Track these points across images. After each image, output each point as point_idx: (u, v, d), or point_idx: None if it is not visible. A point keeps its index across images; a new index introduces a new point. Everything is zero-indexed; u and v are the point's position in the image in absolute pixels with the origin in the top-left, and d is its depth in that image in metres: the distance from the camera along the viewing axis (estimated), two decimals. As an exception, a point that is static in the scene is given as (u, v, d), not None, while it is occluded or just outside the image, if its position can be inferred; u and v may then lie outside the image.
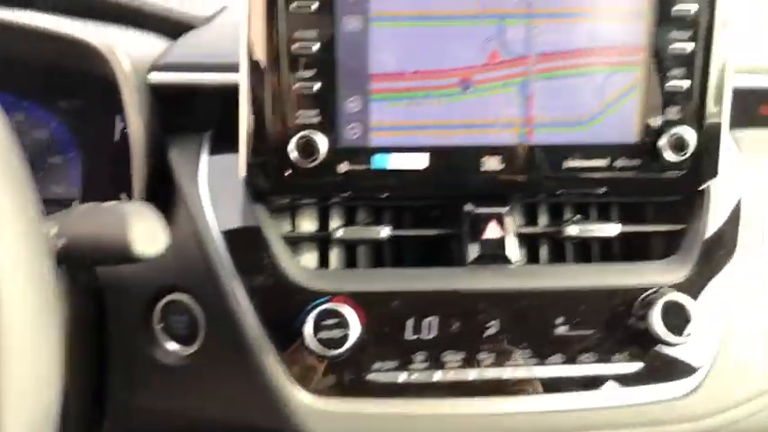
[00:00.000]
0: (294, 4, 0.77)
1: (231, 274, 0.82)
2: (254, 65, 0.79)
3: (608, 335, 0.84)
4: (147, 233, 0.64)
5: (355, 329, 0.78)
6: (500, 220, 0.85)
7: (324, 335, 0.77)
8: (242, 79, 0.80)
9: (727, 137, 0.86)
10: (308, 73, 0.79)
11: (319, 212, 0.91)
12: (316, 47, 0.78)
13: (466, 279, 0.83)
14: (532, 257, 0.92)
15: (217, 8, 1.04)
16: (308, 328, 0.77)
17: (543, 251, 0.92)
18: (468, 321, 0.82)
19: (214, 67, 0.88)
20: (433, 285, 0.82)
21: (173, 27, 0.99)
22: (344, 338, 0.77)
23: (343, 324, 0.77)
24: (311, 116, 0.80)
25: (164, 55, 0.91)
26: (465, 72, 0.81)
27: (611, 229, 0.88)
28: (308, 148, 0.79)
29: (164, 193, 0.89)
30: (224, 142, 0.88)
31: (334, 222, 0.91)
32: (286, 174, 0.81)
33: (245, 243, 0.83)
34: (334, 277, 0.84)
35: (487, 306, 0.82)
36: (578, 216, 0.95)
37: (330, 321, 0.77)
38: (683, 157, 0.83)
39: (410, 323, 0.81)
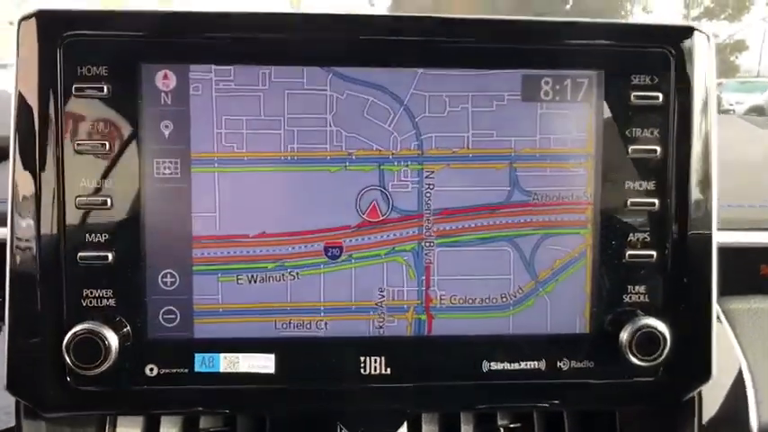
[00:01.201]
0: (80, 143, 0.54)
1: None
2: (20, 223, 0.56)
3: None
4: None
5: None
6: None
7: None
8: (7, 242, 0.56)
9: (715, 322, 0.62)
10: (100, 236, 0.56)
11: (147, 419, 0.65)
12: (111, 200, 0.56)
13: None
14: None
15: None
16: None
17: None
18: None
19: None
20: None
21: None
22: None
23: None
24: (103, 298, 0.56)
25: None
26: (333, 235, 0.58)
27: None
28: (88, 347, 0.54)
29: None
30: None
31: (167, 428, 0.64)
32: (63, 382, 0.57)
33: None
34: None
35: None
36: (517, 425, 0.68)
37: None
38: (656, 361, 0.58)
39: None
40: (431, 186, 0.58)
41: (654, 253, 0.59)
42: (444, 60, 0.57)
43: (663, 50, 0.58)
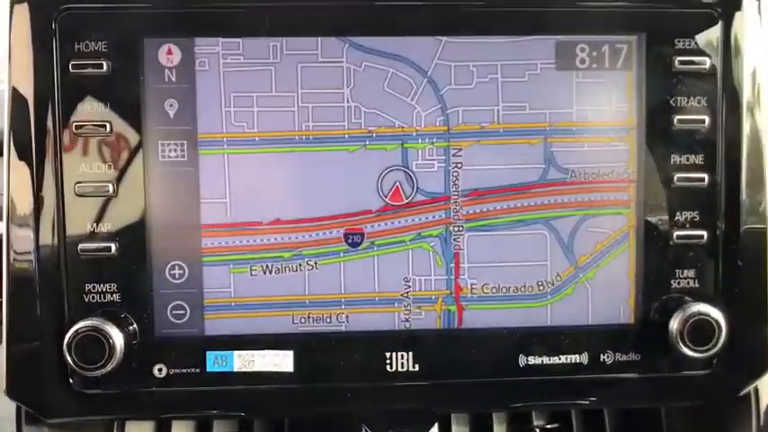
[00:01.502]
0: (79, 125, 0.51)
1: None
2: (16, 213, 0.52)
3: None
4: None
5: None
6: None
7: None
8: (3, 233, 0.53)
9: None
10: (102, 226, 0.52)
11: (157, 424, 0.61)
12: (113, 186, 0.52)
13: None
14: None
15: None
16: None
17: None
18: None
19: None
20: None
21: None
22: None
23: None
24: (106, 293, 0.52)
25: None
26: (353, 221, 0.54)
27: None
28: (91, 346, 0.50)
29: None
30: None
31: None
32: (66, 385, 0.53)
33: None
34: None
35: None
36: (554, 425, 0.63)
37: None
38: (710, 351, 0.53)
39: None
40: (459, 165, 0.53)
41: (704, 233, 0.55)
42: (470, 27, 0.53)
43: (709, 11, 0.54)
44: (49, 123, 0.51)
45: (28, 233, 0.51)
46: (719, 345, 0.52)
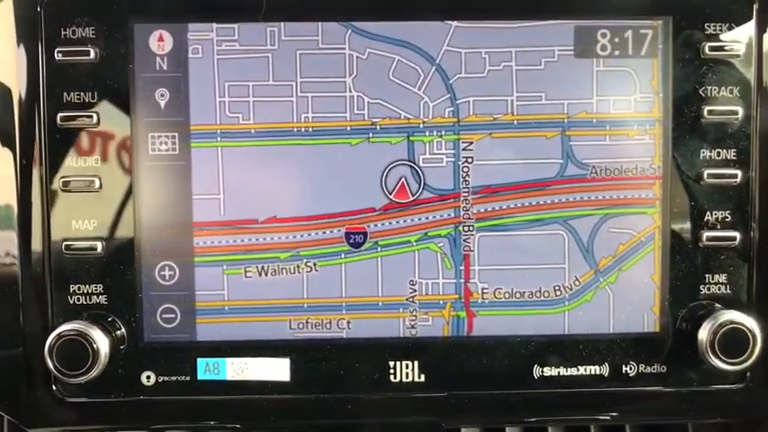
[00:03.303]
0: (65, 116, 0.49)
1: None
2: None
3: None
4: None
5: None
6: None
7: None
8: None
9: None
10: (88, 223, 0.50)
11: None
12: (100, 181, 0.50)
13: None
14: None
15: None
16: None
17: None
18: None
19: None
20: None
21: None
22: None
23: None
24: (92, 294, 0.50)
25: None
26: (355, 220, 0.52)
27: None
28: (73, 350, 0.47)
29: None
30: None
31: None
32: (49, 392, 0.51)
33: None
34: None
35: None
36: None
37: None
38: (744, 364, 0.50)
39: None
40: (469, 160, 0.51)
41: (736, 235, 0.52)
42: (482, 10, 0.51)
43: None
44: (34, 115, 0.49)
45: (10, 230, 0.50)
46: (754, 356, 0.49)
